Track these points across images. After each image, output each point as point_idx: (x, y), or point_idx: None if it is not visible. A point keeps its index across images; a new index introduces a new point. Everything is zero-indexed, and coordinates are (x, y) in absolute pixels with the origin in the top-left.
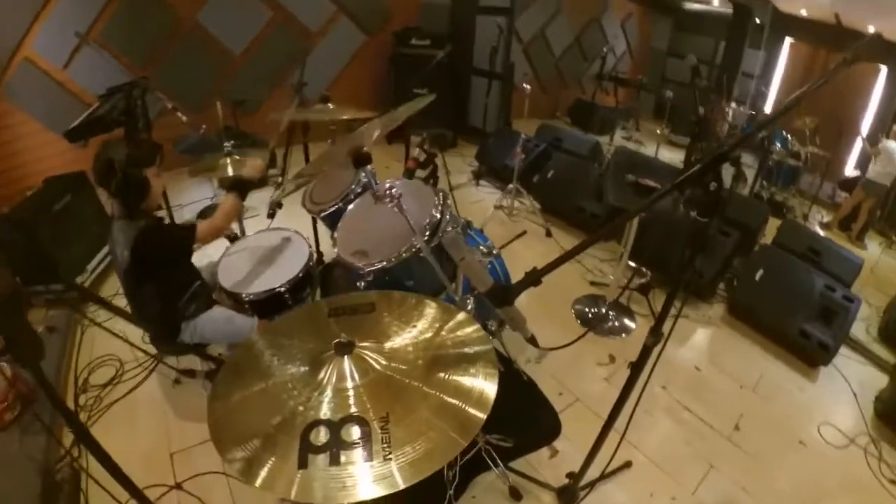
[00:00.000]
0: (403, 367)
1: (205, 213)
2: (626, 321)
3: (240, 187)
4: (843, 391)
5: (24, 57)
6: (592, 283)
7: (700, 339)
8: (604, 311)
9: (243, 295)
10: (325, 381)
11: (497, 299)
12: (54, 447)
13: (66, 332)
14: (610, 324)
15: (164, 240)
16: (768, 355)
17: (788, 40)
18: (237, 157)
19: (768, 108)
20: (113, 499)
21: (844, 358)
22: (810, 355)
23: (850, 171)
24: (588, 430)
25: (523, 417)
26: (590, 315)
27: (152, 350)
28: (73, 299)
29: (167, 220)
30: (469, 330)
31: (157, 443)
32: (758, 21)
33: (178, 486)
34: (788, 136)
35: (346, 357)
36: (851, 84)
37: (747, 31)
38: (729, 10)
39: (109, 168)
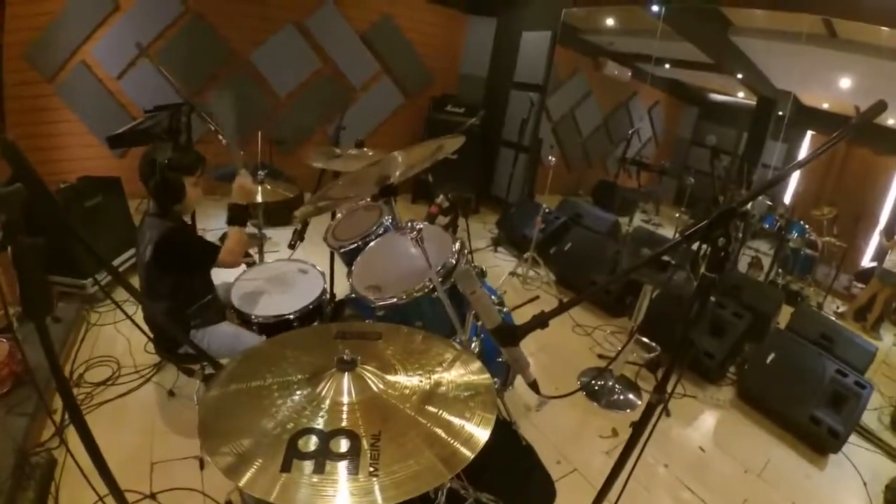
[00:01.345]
0: (400, 395)
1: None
2: (632, 396)
3: (237, 219)
4: (852, 480)
5: (81, 60)
6: (600, 356)
7: (707, 420)
8: (610, 383)
9: (252, 316)
10: (322, 393)
11: (503, 338)
12: (35, 433)
13: (71, 326)
14: (615, 397)
15: (187, 244)
16: (776, 440)
17: (810, 133)
18: (268, 186)
19: (787, 199)
20: (89, 485)
21: (854, 446)
22: (819, 442)
23: (866, 262)
24: (583, 500)
25: (517, 481)
26: (595, 387)
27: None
28: (84, 295)
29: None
30: (475, 377)
31: (140, 450)
32: (780, 113)
33: (153, 496)
34: (806, 225)
35: (346, 374)
36: (871, 176)
37: (770, 122)
38: (753, 101)
39: (151, 167)
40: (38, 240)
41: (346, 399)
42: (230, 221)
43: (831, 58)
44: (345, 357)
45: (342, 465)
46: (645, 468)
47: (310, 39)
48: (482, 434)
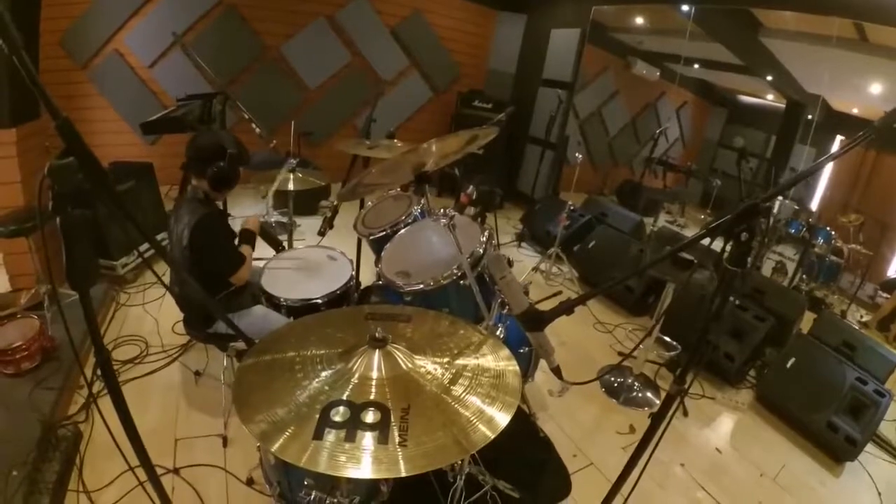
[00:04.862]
0: (427, 374)
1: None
2: (650, 395)
3: (248, 238)
4: (867, 489)
5: (114, 48)
6: (620, 354)
7: (725, 422)
8: (629, 381)
9: (281, 299)
10: (353, 368)
11: (530, 323)
12: (62, 406)
13: (100, 305)
14: (634, 394)
15: (223, 233)
16: (793, 446)
17: (839, 137)
18: (300, 175)
19: (814, 204)
20: (121, 455)
21: (871, 456)
22: (836, 449)
23: (892, 271)
24: (597, 494)
25: (534, 472)
26: (615, 384)
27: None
28: (114, 276)
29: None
30: (501, 363)
31: (164, 426)
32: (809, 117)
33: (176, 472)
34: (832, 231)
35: (377, 351)
36: None
37: (798, 126)
38: (782, 104)
39: (219, 152)
40: (86, 211)
41: (375, 374)
42: (243, 240)
43: (862, 62)
44: (377, 335)
45: (373, 435)
46: (661, 467)
47: (340, 33)
48: (503, 418)
